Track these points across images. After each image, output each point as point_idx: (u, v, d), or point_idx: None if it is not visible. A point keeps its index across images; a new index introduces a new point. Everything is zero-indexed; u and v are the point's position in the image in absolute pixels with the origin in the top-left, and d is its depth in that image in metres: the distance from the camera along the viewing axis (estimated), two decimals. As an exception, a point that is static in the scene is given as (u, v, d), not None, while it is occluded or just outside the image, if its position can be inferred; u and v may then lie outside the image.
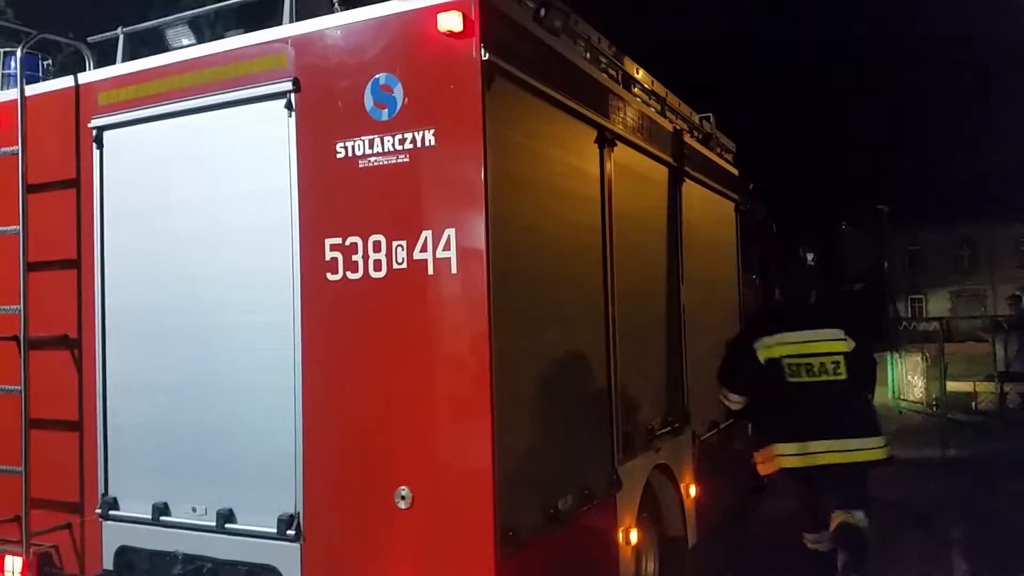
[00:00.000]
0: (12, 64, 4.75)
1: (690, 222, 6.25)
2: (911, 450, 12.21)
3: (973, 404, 15.51)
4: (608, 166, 4.74)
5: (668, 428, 5.56)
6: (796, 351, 5.04)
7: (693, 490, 5.90)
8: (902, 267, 51.41)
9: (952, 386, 14.64)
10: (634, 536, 4.73)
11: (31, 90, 4.53)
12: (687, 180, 6.26)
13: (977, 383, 15.97)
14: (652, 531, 5.31)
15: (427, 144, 3.54)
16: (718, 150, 7.63)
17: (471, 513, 3.37)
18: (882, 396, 16.07)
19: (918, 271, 52.69)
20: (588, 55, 4.87)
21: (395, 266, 3.59)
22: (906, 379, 17.19)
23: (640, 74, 5.78)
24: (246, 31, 4.22)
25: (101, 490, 4.29)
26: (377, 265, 3.63)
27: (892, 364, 17.52)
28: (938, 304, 50.00)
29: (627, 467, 4.73)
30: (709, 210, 7.08)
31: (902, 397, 17.07)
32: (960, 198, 46.57)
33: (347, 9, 3.87)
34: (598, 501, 4.31)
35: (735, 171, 8.18)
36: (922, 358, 16.30)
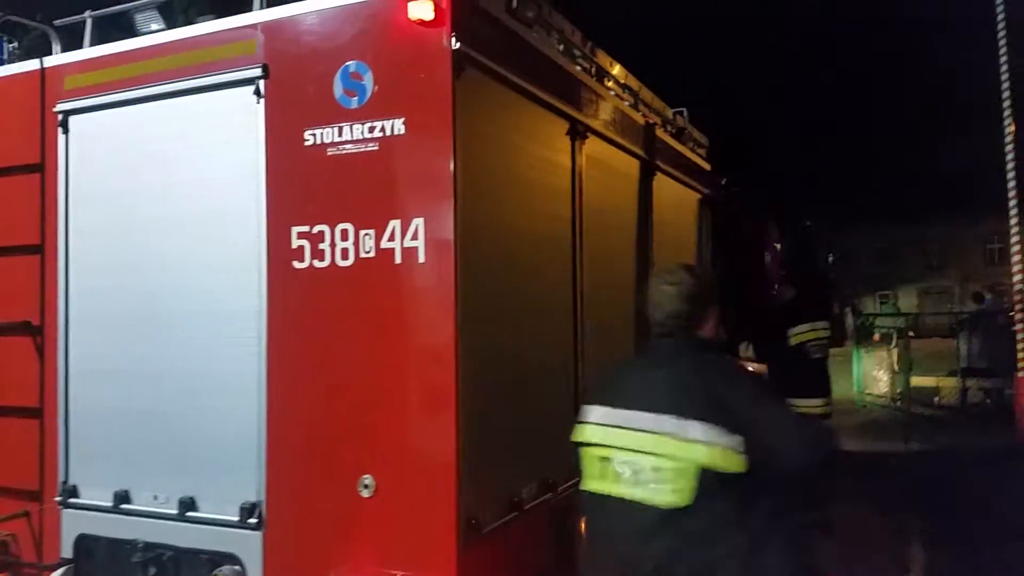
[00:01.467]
0: (-24, 45, 4.66)
1: (661, 216, 6.29)
2: (873, 443, 12.44)
3: (936, 399, 15.80)
4: (579, 158, 4.75)
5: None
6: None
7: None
8: (869, 264, 52.23)
9: (916, 381, 14.90)
10: (598, 526, 4.75)
11: (-5, 72, 4.46)
12: (659, 174, 6.29)
13: (940, 379, 16.26)
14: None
15: (396, 133, 3.53)
16: (691, 145, 7.67)
17: (434, 502, 3.37)
18: (846, 390, 16.32)
19: (887, 268, 53.53)
20: (562, 47, 4.87)
21: (362, 255, 3.58)
22: (871, 374, 17.46)
23: (615, 69, 5.80)
24: (216, 16, 4.17)
25: (61, 478, 4.24)
26: (344, 254, 3.61)
27: (858, 358, 17.79)
28: (906, 300, 50.76)
29: (593, 458, 4.75)
30: (680, 204, 7.12)
31: (867, 392, 17.35)
32: (930, 197, 47.28)
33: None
34: (561, 490, 4.33)
35: (707, 166, 8.23)
36: (887, 353, 16.56)
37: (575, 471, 4.48)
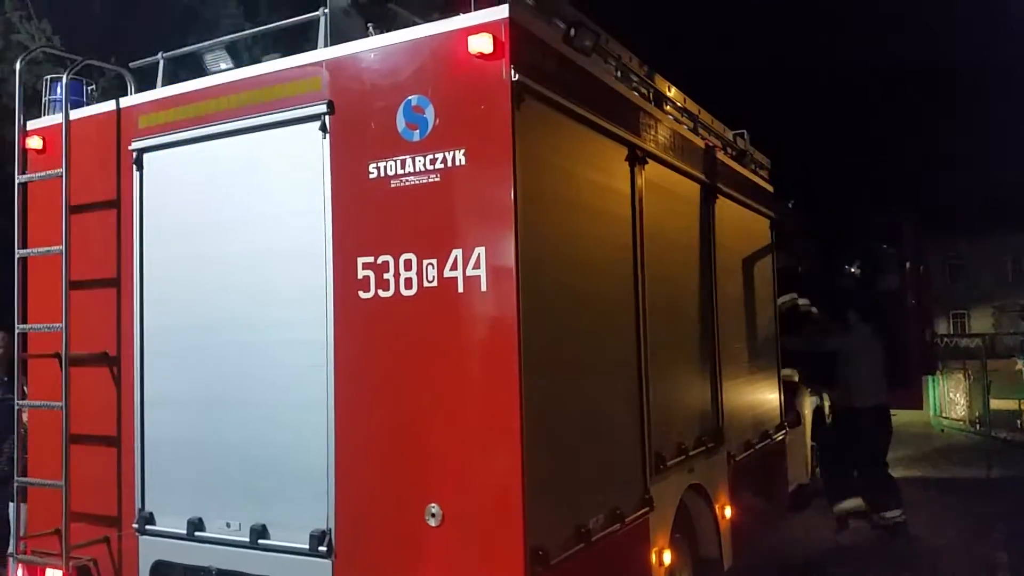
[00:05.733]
0: (58, 90, 4.88)
1: (723, 239, 6.21)
2: (954, 470, 11.95)
3: (1018, 422, 15.12)
4: (639, 184, 4.74)
5: (702, 448, 5.50)
6: None
7: (728, 511, 5.83)
8: (942, 281, 50.41)
9: (996, 404, 14.30)
10: (667, 557, 4.68)
11: (75, 114, 4.66)
12: (720, 197, 6.23)
13: (1022, 401, 15.57)
14: (686, 552, 5.25)
15: (458, 164, 3.58)
16: (752, 167, 7.58)
17: (501, 532, 3.36)
18: (923, 415, 15.77)
19: (960, 285, 51.59)
20: (619, 73, 4.88)
21: (425, 284, 3.62)
22: (948, 397, 16.83)
23: (672, 92, 5.78)
24: (281, 54, 4.30)
25: (138, 505, 4.36)
26: (408, 283, 3.66)
27: (934, 381, 17.16)
28: (981, 320, 48.86)
29: (660, 487, 4.69)
30: (743, 227, 7.03)
31: (944, 416, 16.71)
32: (1003, 208, 45.53)
33: (381, 32, 3.94)
34: (630, 521, 4.27)
35: (770, 188, 8.11)
36: (964, 375, 15.96)
37: (642, 502, 4.45)
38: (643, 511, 4.48)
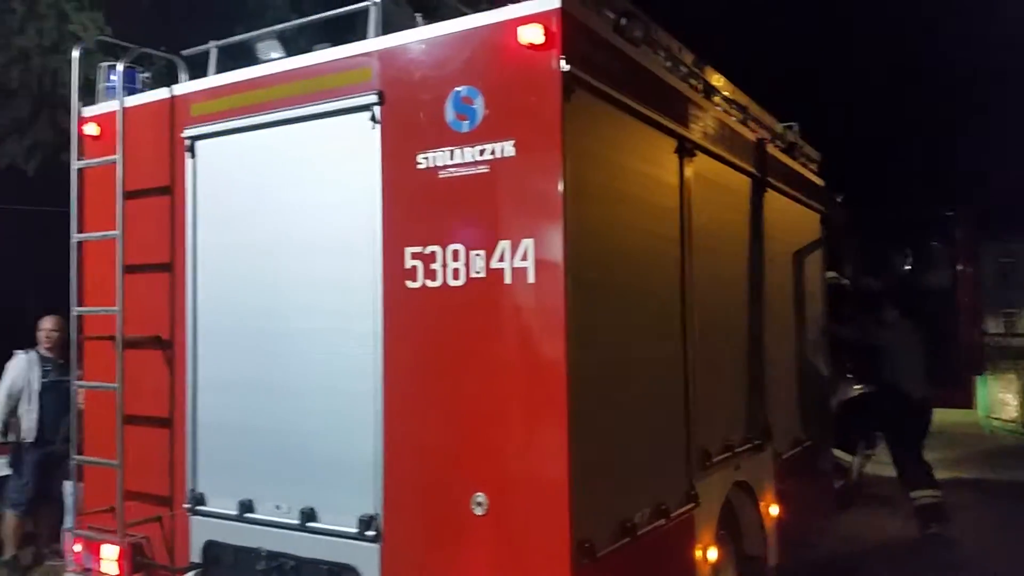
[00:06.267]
0: (112, 77, 4.98)
1: (772, 233, 6.12)
2: (1004, 472, 11.67)
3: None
4: (687, 176, 4.69)
5: (748, 445, 5.44)
6: None
7: (774, 509, 5.76)
8: (993, 280, 49.01)
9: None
10: (712, 554, 4.64)
11: (129, 102, 4.75)
12: (769, 190, 6.14)
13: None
14: (731, 549, 5.20)
15: (506, 155, 3.57)
16: (802, 160, 7.46)
17: (547, 523, 3.36)
18: (971, 415, 15.42)
19: (1011, 284, 50.15)
20: (668, 64, 4.83)
21: (473, 275, 3.62)
22: (998, 398, 16.42)
23: (721, 83, 5.70)
24: (330, 43, 4.33)
25: (190, 485, 4.45)
26: (455, 274, 3.67)
27: (983, 382, 16.73)
28: (1034, 319, 47.45)
29: (705, 483, 4.66)
30: (792, 221, 6.92)
31: (993, 416, 16.32)
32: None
33: (430, 23, 3.94)
34: (675, 516, 4.25)
35: (820, 182, 7.98)
36: (1017, 376, 15.56)
37: (687, 498, 4.42)
38: (688, 507, 4.45)
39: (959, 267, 9.75)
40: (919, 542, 7.95)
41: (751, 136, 5.94)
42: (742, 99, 6.08)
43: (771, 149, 6.34)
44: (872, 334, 8.49)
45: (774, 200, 6.24)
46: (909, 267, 9.81)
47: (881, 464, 9.29)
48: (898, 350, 8.30)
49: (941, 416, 8.97)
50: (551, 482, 3.36)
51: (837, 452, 8.32)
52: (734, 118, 5.73)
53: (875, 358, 8.44)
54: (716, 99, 5.52)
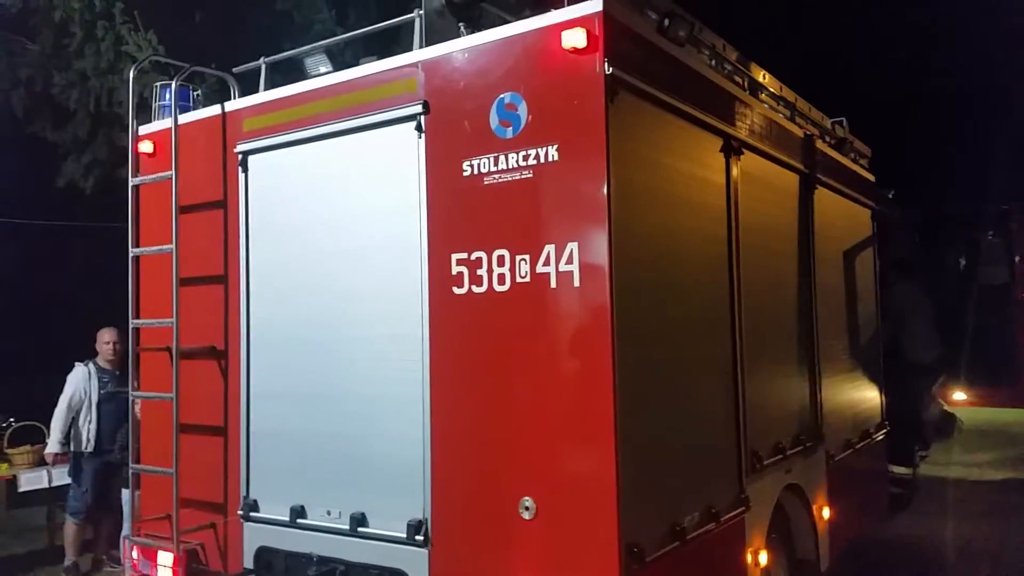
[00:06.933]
0: (167, 96, 5.12)
1: (823, 230, 6.02)
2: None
3: None
4: (734, 175, 4.63)
5: (800, 447, 5.34)
6: None
7: (826, 512, 5.65)
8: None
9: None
10: (763, 558, 4.57)
11: (183, 119, 4.88)
12: (819, 187, 6.03)
13: None
14: (782, 554, 5.12)
15: (551, 160, 3.57)
16: (852, 155, 7.31)
17: (595, 526, 3.35)
18: (1018, 415, 14.95)
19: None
20: (713, 62, 4.78)
21: (518, 280, 3.63)
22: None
23: (767, 80, 5.63)
24: (376, 56, 4.39)
25: (243, 492, 4.54)
26: (501, 279, 3.68)
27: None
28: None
29: (756, 486, 4.59)
30: (843, 218, 6.79)
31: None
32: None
33: (472, 32, 3.97)
34: (725, 520, 4.20)
35: (871, 177, 7.81)
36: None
37: (738, 501, 4.36)
38: (739, 510, 4.39)
39: (1017, 260, 9.45)
40: (973, 549, 7.73)
41: (799, 132, 5.85)
42: (789, 95, 5.99)
43: (820, 145, 6.24)
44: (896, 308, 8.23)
45: (824, 197, 6.13)
46: (966, 262, 9.56)
47: (937, 465, 9.04)
48: (912, 316, 8.06)
49: (998, 415, 8.69)
50: (599, 486, 3.35)
51: (893, 467, 8.07)
52: (781, 115, 5.65)
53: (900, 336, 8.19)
54: (762, 96, 5.45)
